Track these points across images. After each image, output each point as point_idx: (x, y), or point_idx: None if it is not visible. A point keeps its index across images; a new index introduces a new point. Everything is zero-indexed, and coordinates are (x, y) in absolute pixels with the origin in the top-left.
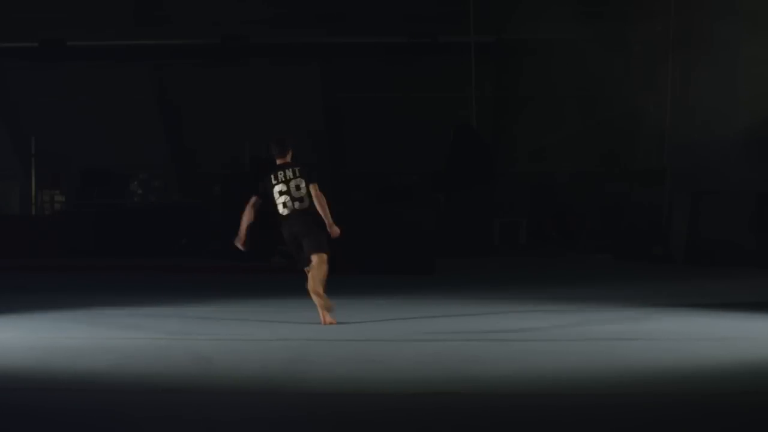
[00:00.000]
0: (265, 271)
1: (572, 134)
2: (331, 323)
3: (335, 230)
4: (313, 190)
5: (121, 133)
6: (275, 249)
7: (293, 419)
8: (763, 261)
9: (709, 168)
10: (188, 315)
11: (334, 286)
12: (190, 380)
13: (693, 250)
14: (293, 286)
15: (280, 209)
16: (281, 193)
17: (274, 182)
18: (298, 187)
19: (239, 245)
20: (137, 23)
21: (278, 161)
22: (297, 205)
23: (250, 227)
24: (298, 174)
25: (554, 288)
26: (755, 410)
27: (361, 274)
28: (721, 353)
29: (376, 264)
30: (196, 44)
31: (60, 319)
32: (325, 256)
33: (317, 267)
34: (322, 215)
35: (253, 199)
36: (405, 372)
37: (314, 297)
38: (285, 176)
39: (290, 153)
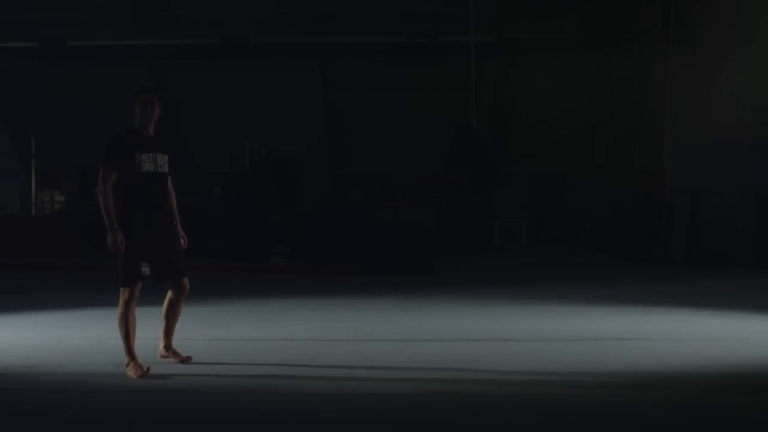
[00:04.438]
0: (265, 271)
1: (572, 134)
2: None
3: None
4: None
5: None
6: (275, 249)
7: (292, 419)
8: (763, 261)
9: (709, 168)
10: (188, 315)
11: (334, 287)
12: (190, 380)
13: (693, 250)
14: (293, 286)
15: None
16: None
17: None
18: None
19: None
20: (137, 23)
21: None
22: None
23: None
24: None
25: (554, 288)
26: (755, 410)
27: (360, 274)
28: (721, 353)
29: (376, 264)
30: (196, 44)
31: (61, 318)
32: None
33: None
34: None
35: None
36: (405, 372)
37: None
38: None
39: None
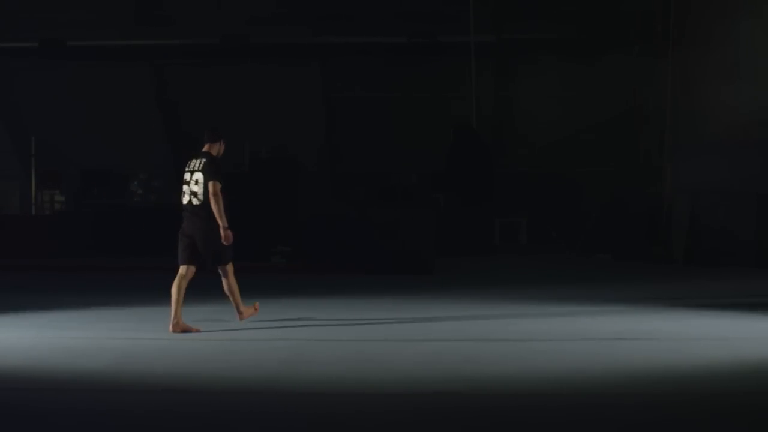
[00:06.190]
0: (265, 271)
1: (572, 134)
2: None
3: (228, 235)
4: (211, 186)
5: (121, 133)
6: (275, 249)
7: (292, 419)
8: (763, 261)
9: (709, 168)
10: (188, 315)
11: (334, 287)
12: (190, 380)
13: (693, 250)
14: (293, 286)
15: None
16: (184, 182)
17: (185, 169)
18: (196, 182)
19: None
20: (137, 23)
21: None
22: (192, 199)
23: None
24: (199, 167)
25: (554, 288)
26: (755, 410)
27: (360, 274)
28: (721, 353)
29: (376, 264)
30: (196, 44)
31: (60, 319)
32: (227, 268)
33: (231, 278)
34: (216, 216)
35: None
36: (405, 372)
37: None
38: (192, 166)
39: (208, 144)
